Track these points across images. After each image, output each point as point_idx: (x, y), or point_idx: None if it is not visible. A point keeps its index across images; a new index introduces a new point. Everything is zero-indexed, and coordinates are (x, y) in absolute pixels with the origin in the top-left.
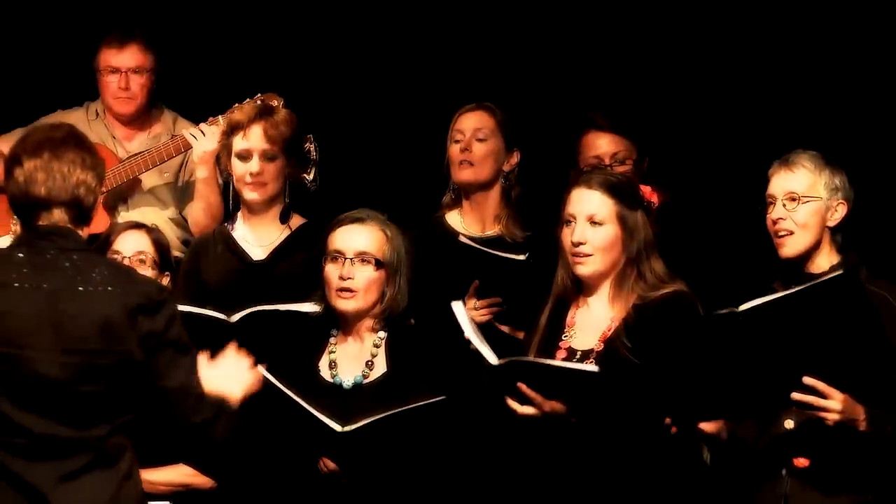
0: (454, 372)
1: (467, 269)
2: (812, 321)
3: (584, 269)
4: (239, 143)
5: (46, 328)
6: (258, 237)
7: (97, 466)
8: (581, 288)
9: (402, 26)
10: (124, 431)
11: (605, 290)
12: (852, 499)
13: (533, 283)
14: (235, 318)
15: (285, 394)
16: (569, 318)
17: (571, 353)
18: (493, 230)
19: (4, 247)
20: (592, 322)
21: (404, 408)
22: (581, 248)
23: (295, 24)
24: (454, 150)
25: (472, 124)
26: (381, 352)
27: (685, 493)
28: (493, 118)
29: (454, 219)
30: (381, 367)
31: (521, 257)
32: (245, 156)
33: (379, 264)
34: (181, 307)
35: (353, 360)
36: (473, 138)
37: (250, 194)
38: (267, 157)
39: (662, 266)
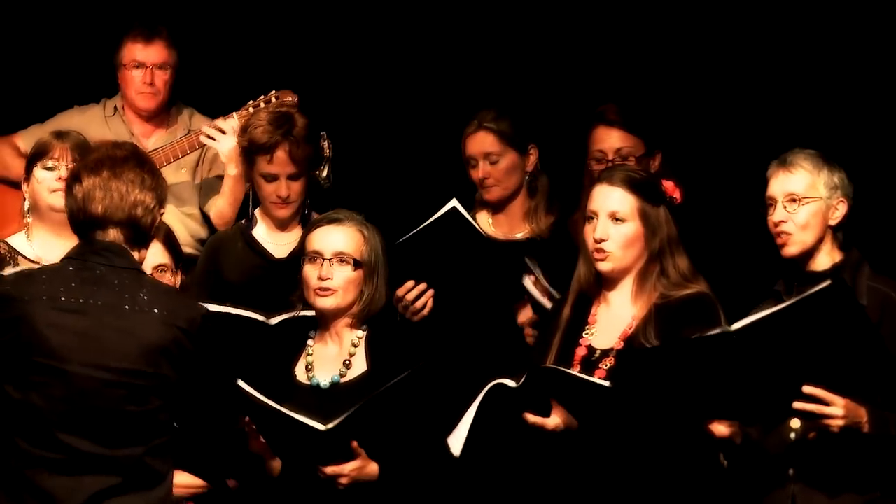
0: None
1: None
2: (806, 333)
3: (606, 265)
4: (265, 166)
5: (90, 345)
6: (279, 236)
7: (131, 489)
8: (603, 283)
9: (417, 21)
10: (163, 454)
11: (627, 286)
12: (859, 499)
13: None
14: (275, 321)
15: (264, 403)
16: (591, 315)
17: (591, 351)
18: (522, 231)
19: (57, 260)
20: (613, 320)
21: (380, 390)
22: (603, 245)
23: (309, 19)
24: (472, 174)
25: (480, 148)
26: (361, 351)
27: (700, 496)
28: (497, 136)
29: (483, 220)
30: (360, 366)
31: (450, 205)
32: (271, 179)
33: (357, 264)
34: (218, 307)
35: (331, 360)
36: (487, 162)
37: (279, 213)
38: (293, 178)
39: (687, 263)
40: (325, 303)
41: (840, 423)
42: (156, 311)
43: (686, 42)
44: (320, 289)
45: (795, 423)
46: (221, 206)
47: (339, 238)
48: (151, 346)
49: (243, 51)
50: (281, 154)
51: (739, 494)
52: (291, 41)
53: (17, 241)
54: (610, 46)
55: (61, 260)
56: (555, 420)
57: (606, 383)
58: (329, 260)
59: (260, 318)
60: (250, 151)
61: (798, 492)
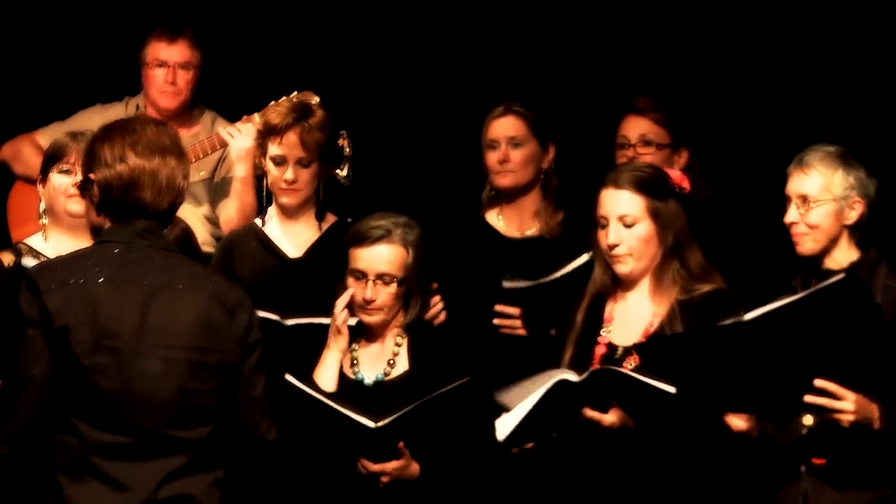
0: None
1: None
2: (819, 325)
3: (625, 267)
4: (274, 148)
5: (150, 325)
6: (292, 235)
7: (197, 469)
8: (618, 282)
9: (436, 17)
10: (218, 436)
11: (644, 284)
12: (872, 495)
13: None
14: (290, 322)
15: (313, 398)
16: (606, 313)
17: (612, 349)
18: (531, 230)
19: (94, 243)
20: (632, 316)
21: (435, 394)
22: (617, 251)
23: (330, 20)
24: (491, 158)
25: (505, 131)
26: (403, 350)
27: (714, 491)
28: (525, 122)
29: (493, 219)
30: (402, 365)
31: (586, 257)
32: (280, 162)
33: (401, 282)
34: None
35: (375, 358)
36: (509, 146)
37: (284, 199)
38: (302, 164)
39: (701, 255)
40: (371, 320)
41: (850, 418)
42: (210, 287)
43: (712, 39)
44: (365, 308)
45: (808, 419)
46: (228, 211)
47: (382, 258)
48: (209, 322)
49: (265, 52)
50: (292, 136)
51: (752, 490)
52: (314, 42)
53: (35, 241)
54: (630, 48)
55: (97, 243)
56: (612, 417)
57: (672, 389)
58: (373, 281)
59: (275, 318)
60: (264, 135)
61: (810, 488)
